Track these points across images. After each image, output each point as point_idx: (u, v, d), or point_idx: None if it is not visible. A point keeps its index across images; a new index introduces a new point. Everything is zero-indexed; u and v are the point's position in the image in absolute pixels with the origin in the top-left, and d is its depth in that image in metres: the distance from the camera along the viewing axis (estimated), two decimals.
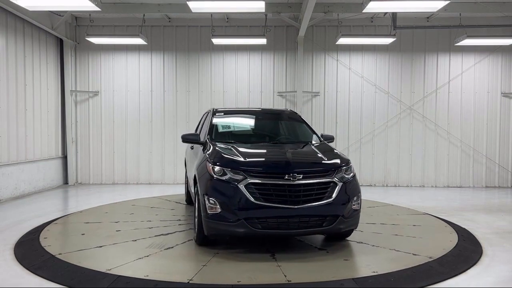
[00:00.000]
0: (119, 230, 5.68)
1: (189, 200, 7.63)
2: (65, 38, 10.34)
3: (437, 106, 10.79)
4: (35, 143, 9.50)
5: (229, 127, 6.25)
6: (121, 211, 7.05)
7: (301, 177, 4.53)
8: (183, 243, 5.15)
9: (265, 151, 5.39)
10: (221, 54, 10.84)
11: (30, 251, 4.86)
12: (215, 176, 4.64)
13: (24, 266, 4.38)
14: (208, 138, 5.62)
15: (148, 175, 10.91)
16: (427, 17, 10.47)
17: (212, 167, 4.71)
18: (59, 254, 4.59)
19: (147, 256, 4.60)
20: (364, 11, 7.53)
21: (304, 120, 6.62)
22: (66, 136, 10.69)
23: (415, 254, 4.77)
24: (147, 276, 3.99)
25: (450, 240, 5.39)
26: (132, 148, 10.91)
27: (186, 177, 7.64)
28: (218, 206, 4.49)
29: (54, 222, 6.32)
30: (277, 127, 6.41)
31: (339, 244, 5.20)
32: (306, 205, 4.50)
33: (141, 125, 10.91)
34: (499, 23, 9.86)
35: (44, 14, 9.33)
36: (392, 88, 10.80)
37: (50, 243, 5.09)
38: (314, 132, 6.22)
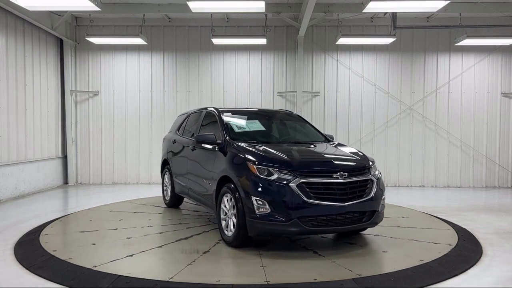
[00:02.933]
0: (130, 238, 5.36)
1: (173, 203, 7.32)
2: (65, 38, 10.34)
3: (437, 106, 10.79)
4: (35, 143, 9.50)
5: (244, 127, 6.06)
6: (107, 218, 6.55)
7: (346, 175, 4.70)
8: (214, 246, 5.03)
9: (300, 150, 5.40)
10: (221, 54, 10.84)
11: (30, 251, 4.85)
12: (261, 176, 4.61)
13: (24, 266, 4.38)
14: (228, 138, 5.43)
15: (148, 175, 10.91)
16: (427, 17, 10.47)
17: (257, 168, 4.66)
18: (94, 266, 4.24)
19: (194, 261, 4.44)
20: (364, 11, 7.54)
21: (307, 121, 6.71)
22: (66, 136, 10.69)
23: (435, 243, 5.12)
24: (219, 281, 3.90)
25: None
26: (132, 148, 10.91)
27: (170, 179, 7.20)
28: (267, 206, 4.49)
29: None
30: (288, 127, 6.47)
31: (362, 238, 5.43)
32: (353, 202, 4.66)
33: (141, 125, 10.91)
34: (499, 23, 9.86)
35: (44, 14, 9.33)
36: (392, 88, 10.80)
37: (71, 256, 4.62)
38: (320, 132, 6.37)
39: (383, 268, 4.32)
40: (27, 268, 4.32)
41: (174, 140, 7.25)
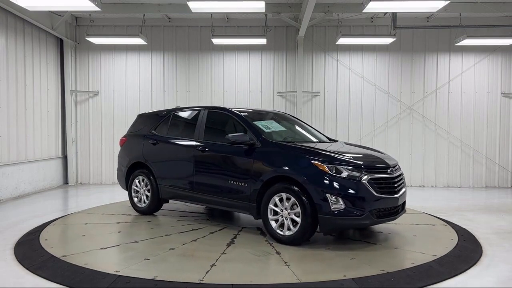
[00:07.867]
0: (172, 249, 4.87)
1: (152, 210, 6.68)
2: (65, 38, 10.34)
3: (437, 106, 10.79)
4: (35, 143, 9.50)
5: (268, 127, 5.90)
6: (100, 230, 5.79)
7: (394, 170, 5.23)
8: (271, 246, 5.00)
9: (345, 148, 5.77)
10: (221, 54, 10.84)
11: (30, 251, 4.85)
12: (333, 174, 4.81)
13: (24, 266, 4.38)
14: (263, 138, 5.39)
15: None
16: (427, 17, 10.47)
17: (328, 166, 4.85)
18: (200, 280, 3.90)
19: (286, 263, 4.39)
20: (364, 11, 7.53)
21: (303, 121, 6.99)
22: (66, 136, 10.69)
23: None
24: (345, 276, 3.99)
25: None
26: None
27: (152, 184, 6.55)
28: (341, 202, 4.71)
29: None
30: (297, 127, 6.56)
31: (374, 231, 5.85)
32: (400, 194, 5.16)
33: None
34: (499, 23, 9.86)
35: (44, 14, 9.33)
36: (392, 88, 10.80)
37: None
38: (320, 132, 6.74)
39: (433, 253, 4.77)
40: (27, 268, 4.31)
41: (156, 141, 6.63)
